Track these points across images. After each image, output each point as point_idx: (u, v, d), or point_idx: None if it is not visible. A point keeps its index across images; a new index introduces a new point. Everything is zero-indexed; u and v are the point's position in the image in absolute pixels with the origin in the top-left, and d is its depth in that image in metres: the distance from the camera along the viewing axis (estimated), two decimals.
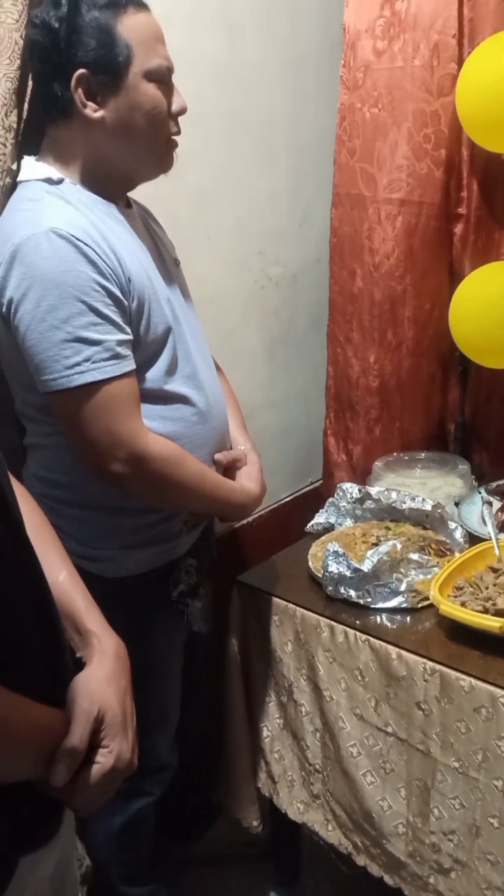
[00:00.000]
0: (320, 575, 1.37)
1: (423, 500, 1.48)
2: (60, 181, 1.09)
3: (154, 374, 1.14)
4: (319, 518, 1.57)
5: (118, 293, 1.06)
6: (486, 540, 1.41)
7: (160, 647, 1.29)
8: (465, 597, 1.25)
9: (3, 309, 1.03)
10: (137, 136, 1.10)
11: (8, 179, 1.12)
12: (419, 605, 1.31)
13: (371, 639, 1.26)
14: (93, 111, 1.07)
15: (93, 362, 1.03)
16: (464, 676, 1.15)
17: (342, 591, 1.34)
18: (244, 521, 1.76)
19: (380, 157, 1.60)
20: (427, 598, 1.30)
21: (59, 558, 0.87)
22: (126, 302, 1.08)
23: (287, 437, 1.95)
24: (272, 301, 1.84)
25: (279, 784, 1.47)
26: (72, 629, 0.84)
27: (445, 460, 1.72)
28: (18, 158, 1.12)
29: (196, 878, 1.62)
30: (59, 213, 1.05)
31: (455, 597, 1.26)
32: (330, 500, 1.59)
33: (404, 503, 1.48)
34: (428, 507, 1.47)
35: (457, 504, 1.59)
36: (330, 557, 1.34)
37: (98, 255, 1.04)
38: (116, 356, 1.05)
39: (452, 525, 1.46)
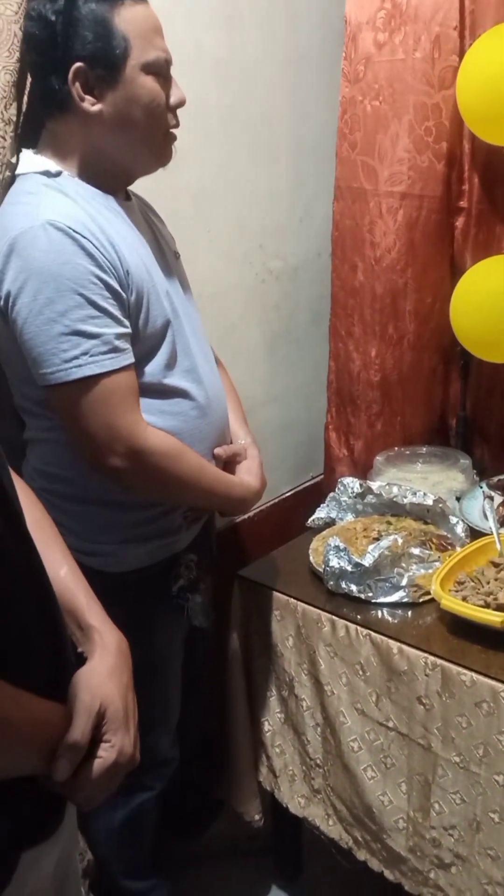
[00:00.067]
0: (321, 570, 1.37)
1: (425, 494, 1.48)
2: (58, 174, 1.08)
3: (153, 368, 1.14)
4: (320, 513, 1.57)
5: (116, 286, 1.05)
6: (487, 534, 1.41)
7: (161, 642, 1.29)
8: (466, 591, 1.25)
9: (1, 302, 1.03)
10: (136, 130, 1.09)
11: (7, 173, 1.12)
12: (420, 600, 1.31)
13: (372, 633, 1.26)
14: (90, 105, 1.06)
15: (91, 356, 1.02)
16: (465, 671, 1.15)
17: (343, 585, 1.34)
18: (245, 516, 1.76)
19: (381, 150, 1.59)
20: (428, 593, 1.30)
21: (60, 553, 0.87)
22: (124, 295, 1.07)
23: (288, 432, 1.95)
24: (273, 295, 1.83)
25: (280, 778, 1.47)
26: (73, 624, 0.83)
27: (447, 455, 1.72)
28: (17, 151, 1.12)
29: (198, 872, 1.63)
30: (56, 205, 1.04)
31: (456, 591, 1.26)
32: (331, 494, 1.59)
33: (405, 498, 1.48)
34: (429, 502, 1.47)
35: (458, 499, 1.58)
36: (331, 552, 1.34)
37: (96, 247, 1.03)
38: (115, 349, 1.05)
39: (454, 520, 1.46)
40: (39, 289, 1.00)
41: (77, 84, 1.05)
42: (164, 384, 1.15)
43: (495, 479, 1.62)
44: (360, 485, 1.54)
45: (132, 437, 1.08)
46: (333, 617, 1.32)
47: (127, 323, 1.08)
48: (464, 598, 1.23)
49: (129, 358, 1.07)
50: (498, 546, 1.36)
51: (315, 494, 1.86)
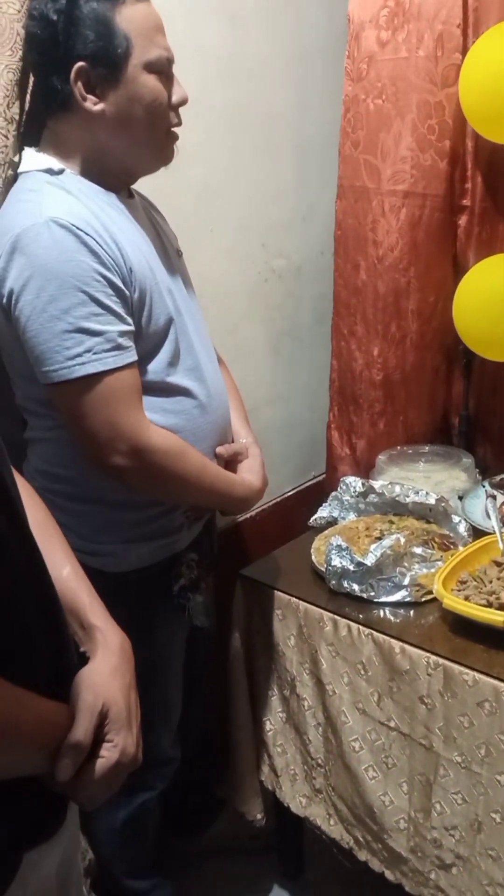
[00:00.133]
0: (323, 569, 1.37)
1: (427, 493, 1.48)
2: (61, 171, 1.08)
3: (156, 366, 1.14)
4: (323, 512, 1.57)
5: (119, 283, 1.05)
6: (489, 534, 1.41)
7: (162, 642, 1.29)
8: (468, 591, 1.25)
9: (4, 300, 1.03)
10: (138, 129, 1.09)
11: (10, 171, 1.12)
12: (422, 599, 1.31)
13: (374, 633, 1.26)
14: (93, 104, 1.06)
15: (94, 353, 1.02)
16: (467, 670, 1.15)
17: (345, 585, 1.34)
18: (247, 515, 1.76)
19: (384, 148, 1.59)
20: (430, 592, 1.29)
21: (62, 553, 0.87)
22: (127, 292, 1.07)
23: (291, 431, 1.95)
24: (276, 294, 1.83)
25: (282, 778, 1.47)
26: (76, 624, 0.83)
27: (449, 454, 1.72)
28: (20, 150, 1.12)
29: (200, 871, 1.63)
30: (59, 202, 1.04)
31: (459, 591, 1.25)
32: (333, 493, 1.59)
33: (408, 497, 1.48)
34: (432, 501, 1.47)
35: (460, 498, 1.58)
36: (333, 551, 1.33)
37: (99, 244, 1.03)
38: (118, 347, 1.04)
39: (456, 519, 1.45)
40: (43, 286, 1.00)
41: (79, 83, 1.04)
42: (167, 382, 1.15)
43: (498, 477, 1.62)
44: (363, 484, 1.54)
45: (135, 436, 1.07)
46: (335, 616, 1.31)
47: (130, 320, 1.07)
48: (466, 598, 1.23)
49: (132, 356, 1.07)
50: (500, 545, 1.36)
51: (317, 493, 1.85)
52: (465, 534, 1.43)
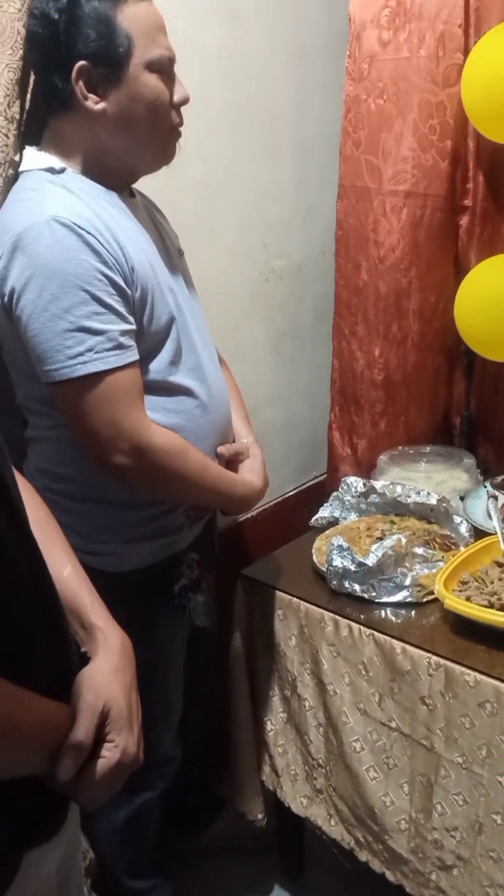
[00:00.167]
0: (324, 569, 1.37)
1: (428, 494, 1.48)
2: (62, 170, 1.08)
3: (157, 366, 1.14)
4: (324, 512, 1.57)
5: (121, 282, 1.05)
6: (491, 534, 1.40)
7: (163, 642, 1.29)
8: (470, 591, 1.25)
9: (6, 299, 1.03)
10: (139, 128, 1.09)
11: (10, 170, 1.11)
12: (424, 600, 1.31)
13: (375, 633, 1.26)
14: (94, 103, 1.06)
15: (96, 352, 1.02)
16: (469, 671, 1.15)
17: (346, 585, 1.33)
18: (248, 515, 1.76)
19: (385, 148, 1.59)
20: (432, 593, 1.29)
21: (63, 553, 0.87)
22: (129, 291, 1.07)
23: (292, 431, 1.95)
24: (277, 294, 1.83)
25: (283, 778, 1.47)
26: (77, 624, 0.83)
27: (451, 454, 1.72)
28: (21, 149, 1.12)
29: (201, 870, 1.63)
30: (60, 201, 1.04)
31: (460, 591, 1.25)
32: (334, 494, 1.59)
33: (409, 497, 1.48)
34: (433, 502, 1.47)
35: (462, 498, 1.58)
36: (334, 551, 1.33)
37: (101, 243, 1.03)
38: (120, 346, 1.04)
39: (457, 519, 1.45)
40: (44, 285, 1.00)
41: (80, 82, 1.04)
42: (169, 381, 1.15)
43: (499, 478, 1.62)
44: (364, 484, 1.54)
45: (136, 435, 1.07)
46: (336, 616, 1.31)
47: (132, 320, 1.07)
48: (467, 598, 1.22)
49: (133, 355, 1.07)
50: (502, 546, 1.36)
51: (318, 494, 1.85)
52: (467, 534, 1.43)
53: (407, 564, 1.34)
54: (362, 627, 1.28)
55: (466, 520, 1.46)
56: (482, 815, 1.16)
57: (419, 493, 1.48)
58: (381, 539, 1.37)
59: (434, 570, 1.33)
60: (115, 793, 0.78)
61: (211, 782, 1.68)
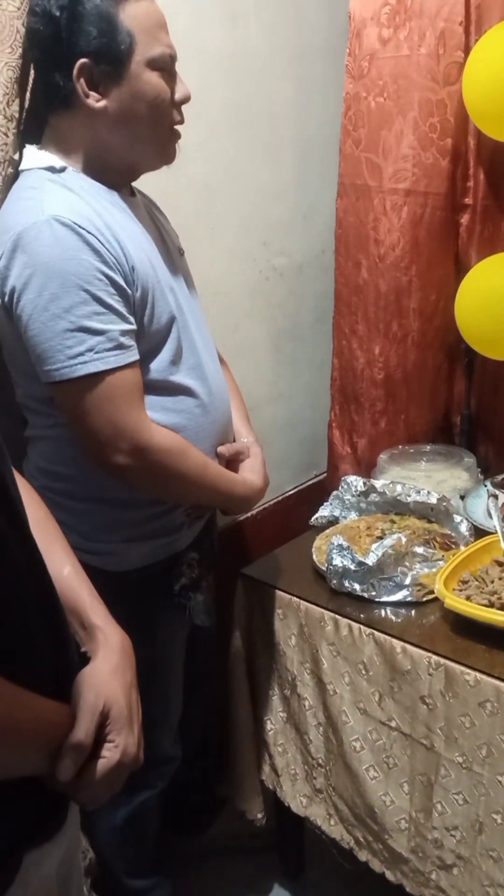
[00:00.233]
0: (324, 568, 1.36)
1: (429, 493, 1.47)
2: (63, 169, 1.08)
3: (158, 365, 1.14)
4: (324, 511, 1.57)
5: (122, 282, 1.05)
6: (491, 533, 1.40)
7: (163, 641, 1.29)
8: (470, 590, 1.25)
9: (6, 298, 1.03)
10: (140, 126, 1.09)
11: (10, 169, 1.11)
12: (424, 599, 1.31)
13: (375, 632, 1.26)
14: (95, 101, 1.05)
15: (96, 352, 1.02)
16: (469, 670, 1.15)
17: (346, 584, 1.33)
18: (248, 514, 1.76)
19: (385, 146, 1.59)
20: (432, 592, 1.29)
21: (63, 552, 0.87)
22: (130, 291, 1.07)
23: (292, 430, 1.95)
24: (277, 293, 1.83)
25: (282, 777, 1.47)
26: (77, 623, 0.83)
27: (451, 453, 1.71)
28: (20, 148, 1.11)
29: (201, 870, 1.63)
30: (61, 200, 1.04)
31: (460, 590, 1.25)
32: (334, 493, 1.59)
33: (409, 496, 1.48)
34: (433, 501, 1.46)
35: (462, 497, 1.58)
36: (334, 551, 1.33)
37: (101, 243, 1.03)
38: (120, 346, 1.04)
39: (458, 518, 1.45)
40: (44, 284, 1.00)
41: (81, 80, 1.04)
42: (169, 381, 1.15)
43: (500, 477, 1.61)
44: (364, 483, 1.54)
45: (137, 435, 1.07)
46: (336, 616, 1.31)
47: (132, 319, 1.07)
48: (468, 598, 1.22)
49: (134, 355, 1.07)
50: (502, 545, 1.36)
51: (318, 493, 1.85)
52: (467, 533, 1.43)
53: (407, 564, 1.34)
54: (362, 627, 1.27)
55: (467, 519, 1.46)
56: (482, 815, 1.16)
57: (419, 492, 1.48)
58: (381, 538, 1.37)
59: (434, 570, 1.32)
60: (115, 792, 0.78)
61: (211, 781, 1.68)
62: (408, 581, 1.32)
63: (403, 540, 1.34)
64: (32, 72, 1.11)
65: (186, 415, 1.17)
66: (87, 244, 1.01)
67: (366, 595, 1.32)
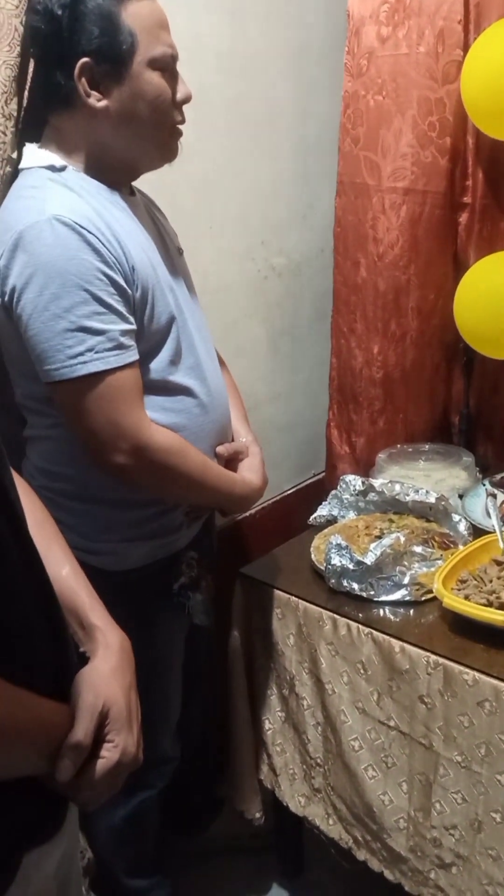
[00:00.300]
0: (323, 568, 1.36)
1: (427, 492, 1.47)
2: (63, 168, 1.07)
3: (157, 365, 1.13)
4: (322, 510, 1.57)
5: (122, 282, 1.05)
6: (490, 532, 1.40)
7: (162, 641, 1.29)
8: (468, 590, 1.25)
9: (6, 298, 1.02)
10: (141, 126, 1.09)
11: (8, 168, 1.11)
12: (422, 599, 1.31)
13: (374, 632, 1.26)
14: (96, 101, 1.05)
15: (96, 352, 1.02)
16: (467, 670, 1.15)
17: (345, 583, 1.33)
18: (247, 514, 1.76)
19: (384, 145, 1.58)
20: (430, 592, 1.29)
21: (61, 553, 0.86)
22: (130, 291, 1.06)
23: (290, 430, 1.95)
24: (275, 292, 1.82)
25: (281, 777, 1.47)
26: (76, 624, 0.83)
27: (449, 452, 1.72)
28: (19, 146, 1.11)
29: (199, 870, 1.62)
30: (62, 200, 1.03)
31: (459, 590, 1.25)
32: (333, 492, 1.58)
33: (408, 495, 1.48)
34: (432, 500, 1.46)
35: (461, 496, 1.58)
36: (333, 550, 1.33)
37: (102, 243, 1.03)
38: (120, 346, 1.04)
39: (456, 517, 1.45)
40: (45, 284, 0.99)
41: (83, 79, 1.03)
42: (169, 381, 1.15)
43: (498, 476, 1.61)
44: (363, 482, 1.54)
45: (136, 435, 1.07)
46: (335, 615, 1.31)
47: (132, 319, 1.07)
48: (466, 597, 1.22)
49: (133, 355, 1.07)
50: (501, 544, 1.36)
51: (317, 492, 1.85)
52: (466, 532, 1.43)
53: (405, 563, 1.34)
54: (361, 626, 1.27)
55: (465, 518, 1.46)
56: (481, 814, 1.16)
57: (418, 491, 1.48)
58: (379, 537, 1.37)
59: (433, 569, 1.32)
60: (114, 793, 0.78)
61: (210, 781, 1.68)
62: (406, 580, 1.32)
63: (402, 539, 1.34)
64: (30, 70, 1.11)
65: (186, 414, 1.17)
66: (88, 244, 1.01)
67: (364, 594, 1.32)
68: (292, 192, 1.81)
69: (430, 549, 1.37)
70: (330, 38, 1.75)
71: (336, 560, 1.32)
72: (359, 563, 1.31)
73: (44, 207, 1.01)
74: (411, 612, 1.30)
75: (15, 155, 1.11)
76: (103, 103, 1.05)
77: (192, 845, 1.66)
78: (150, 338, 1.12)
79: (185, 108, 1.14)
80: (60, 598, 0.78)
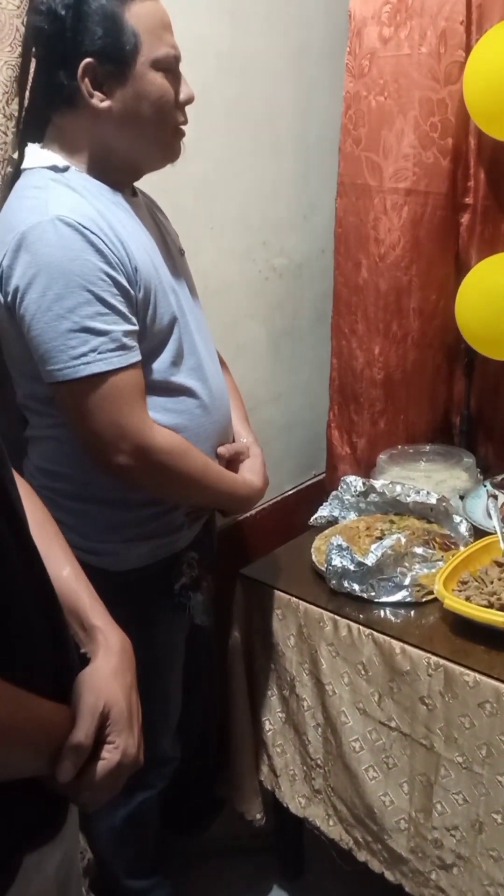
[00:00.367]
0: (324, 569, 1.36)
1: (428, 493, 1.47)
2: (66, 169, 1.07)
3: (160, 366, 1.13)
4: (323, 511, 1.57)
5: (125, 283, 1.05)
6: (491, 534, 1.40)
7: (162, 641, 1.29)
8: (469, 591, 1.24)
9: (9, 298, 1.02)
10: (144, 126, 1.09)
11: (9, 168, 1.11)
12: (423, 600, 1.31)
13: (375, 633, 1.26)
14: (99, 101, 1.05)
15: (99, 353, 1.02)
16: (468, 671, 1.15)
17: (346, 584, 1.33)
18: (248, 514, 1.76)
19: (385, 146, 1.58)
20: (431, 593, 1.29)
21: (62, 554, 0.86)
22: (132, 292, 1.06)
23: (291, 430, 1.95)
24: (276, 293, 1.82)
25: (281, 778, 1.47)
26: (76, 625, 0.83)
27: (450, 453, 1.71)
28: (20, 147, 1.11)
29: (200, 870, 1.62)
30: (65, 200, 1.03)
31: (459, 591, 1.25)
32: (334, 493, 1.58)
33: (409, 496, 1.48)
34: (432, 501, 1.46)
35: (462, 497, 1.58)
36: (333, 551, 1.33)
37: (105, 243, 1.02)
38: (123, 347, 1.04)
39: (457, 519, 1.45)
40: (48, 285, 0.99)
41: (86, 80, 1.03)
42: (170, 381, 1.15)
43: (499, 477, 1.61)
44: (363, 483, 1.54)
45: (139, 435, 1.07)
46: (335, 616, 1.31)
47: (135, 320, 1.07)
48: (467, 598, 1.22)
49: (136, 355, 1.07)
50: (502, 545, 1.36)
51: (317, 493, 1.85)
52: (467, 534, 1.42)
53: (406, 564, 1.33)
54: (361, 627, 1.27)
55: (466, 519, 1.46)
56: (482, 815, 1.16)
57: (419, 492, 1.48)
58: (380, 538, 1.37)
59: (433, 570, 1.32)
60: (114, 794, 0.78)
61: (210, 782, 1.68)
62: (407, 581, 1.32)
63: (403, 540, 1.34)
64: (32, 70, 1.11)
65: (187, 415, 1.17)
66: (91, 245, 1.01)
67: (365, 595, 1.32)
68: (293, 193, 1.81)
69: (430, 551, 1.37)
70: (330, 38, 1.75)
71: (337, 561, 1.32)
72: (360, 564, 1.31)
73: (47, 208, 1.01)
74: (412, 613, 1.30)
75: (16, 155, 1.11)
76: (106, 104, 1.05)
77: (192, 845, 1.66)
78: (152, 338, 1.12)
79: (186, 108, 1.14)
80: (61, 598, 0.78)
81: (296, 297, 1.88)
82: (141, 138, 1.10)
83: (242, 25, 1.58)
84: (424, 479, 1.62)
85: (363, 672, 1.28)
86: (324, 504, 1.58)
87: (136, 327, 1.07)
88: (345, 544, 1.33)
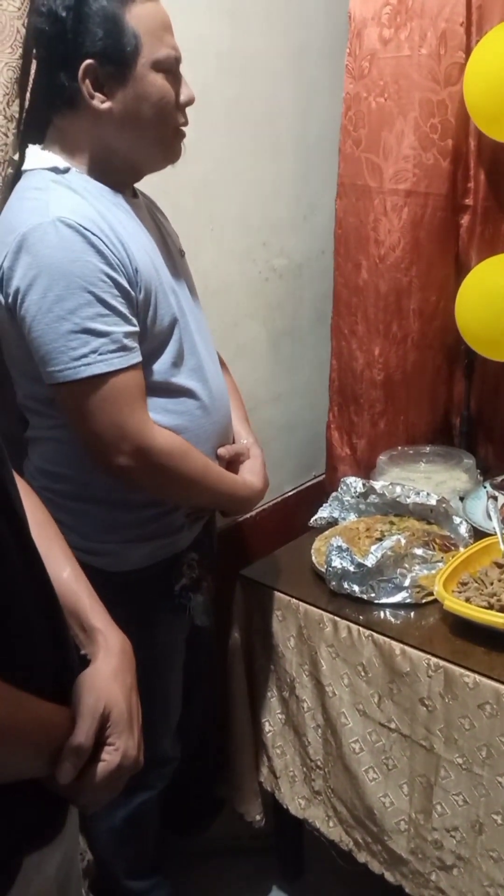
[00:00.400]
0: (324, 570, 1.36)
1: (428, 494, 1.47)
2: (67, 170, 1.07)
3: (160, 367, 1.14)
4: (323, 512, 1.57)
5: (126, 284, 1.05)
6: (491, 535, 1.40)
7: (163, 642, 1.29)
8: (469, 592, 1.24)
9: (10, 299, 1.02)
10: (145, 128, 1.09)
11: (10, 170, 1.11)
12: (423, 601, 1.31)
13: (374, 634, 1.26)
14: (100, 102, 1.05)
15: (100, 354, 1.02)
16: (468, 672, 1.15)
17: (346, 586, 1.33)
18: (247, 515, 1.76)
19: (385, 147, 1.58)
20: (431, 594, 1.29)
21: (62, 555, 0.86)
22: (133, 293, 1.07)
23: (291, 431, 1.95)
24: (276, 293, 1.82)
25: (281, 779, 1.47)
26: (77, 626, 0.83)
27: (450, 454, 1.71)
28: (21, 148, 1.11)
29: (200, 871, 1.62)
30: (65, 202, 1.03)
31: (459, 592, 1.25)
32: (333, 494, 1.58)
33: (408, 498, 1.48)
34: (432, 502, 1.46)
35: (462, 499, 1.58)
36: (333, 552, 1.33)
37: (106, 245, 1.03)
38: (123, 348, 1.04)
39: (457, 520, 1.45)
40: (49, 286, 0.99)
41: (87, 81, 1.03)
42: (171, 383, 1.15)
43: (499, 478, 1.61)
44: (363, 484, 1.54)
45: (139, 436, 1.07)
46: (335, 617, 1.31)
47: (135, 321, 1.07)
48: (467, 600, 1.22)
49: (137, 357, 1.07)
50: (502, 546, 1.36)
51: (317, 494, 1.85)
52: (466, 535, 1.42)
53: (406, 565, 1.33)
54: (361, 628, 1.27)
55: (466, 520, 1.46)
56: (482, 816, 1.16)
57: (419, 493, 1.48)
58: (380, 540, 1.37)
59: (433, 571, 1.32)
60: (114, 796, 0.78)
61: (210, 782, 1.68)
62: (407, 583, 1.32)
63: (403, 541, 1.34)
64: (32, 72, 1.11)
65: (188, 416, 1.17)
66: (92, 246, 1.01)
67: (365, 597, 1.32)
68: (293, 194, 1.81)
69: (430, 552, 1.37)
70: (330, 38, 1.75)
71: (337, 562, 1.32)
72: (359, 565, 1.31)
73: (47, 209, 1.01)
74: (412, 614, 1.30)
75: (17, 157, 1.11)
76: (107, 105, 1.05)
77: (192, 846, 1.66)
78: (152, 340, 1.12)
79: (186, 109, 1.14)
80: (61, 599, 0.78)
81: (296, 298, 1.88)
82: (141, 139, 1.10)
83: (242, 25, 1.58)
84: (424, 480, 1.62)
85: (363, 673, 1.28)
86: (324, 505, 1.58)
87: (137, 328, 1.07)
88: (345, 545, 1.33)
